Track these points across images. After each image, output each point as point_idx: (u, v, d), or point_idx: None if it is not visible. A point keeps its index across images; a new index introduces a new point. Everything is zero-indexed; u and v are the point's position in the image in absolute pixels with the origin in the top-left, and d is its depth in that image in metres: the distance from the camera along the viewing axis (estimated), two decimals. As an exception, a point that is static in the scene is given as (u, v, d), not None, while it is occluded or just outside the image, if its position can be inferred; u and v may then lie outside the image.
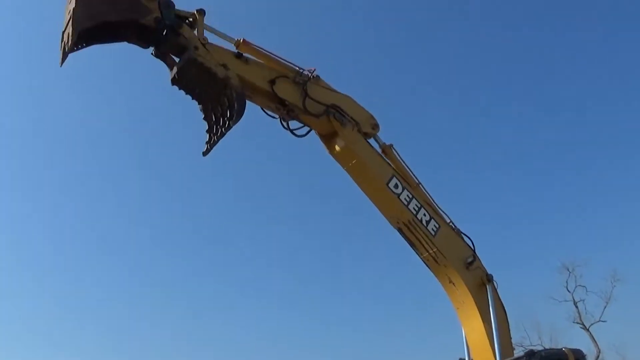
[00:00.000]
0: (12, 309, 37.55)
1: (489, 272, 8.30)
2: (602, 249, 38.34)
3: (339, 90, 8.10)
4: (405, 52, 47.34)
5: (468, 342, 8.38)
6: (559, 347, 9.09)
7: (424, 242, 8.18)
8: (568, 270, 29.39)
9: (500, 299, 8.27)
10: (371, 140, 8.23)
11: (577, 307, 28.88)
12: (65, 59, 6.42)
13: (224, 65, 7.05)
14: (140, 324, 38.35)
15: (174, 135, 43.59)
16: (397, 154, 8.31)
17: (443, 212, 8.34)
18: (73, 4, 6.31)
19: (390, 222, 8.28)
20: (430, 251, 8.20)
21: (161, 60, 7.31)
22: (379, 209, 8.26)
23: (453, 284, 8.28)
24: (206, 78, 7.07)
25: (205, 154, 7.48)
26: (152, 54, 7.28)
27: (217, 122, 7.39)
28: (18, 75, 41.82)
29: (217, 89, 7.09)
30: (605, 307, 28.24)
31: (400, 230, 8.26)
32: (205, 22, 7.27)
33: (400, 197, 8.03)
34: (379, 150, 8.28)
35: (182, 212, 45.20)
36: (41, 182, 43.98)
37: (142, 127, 45.49)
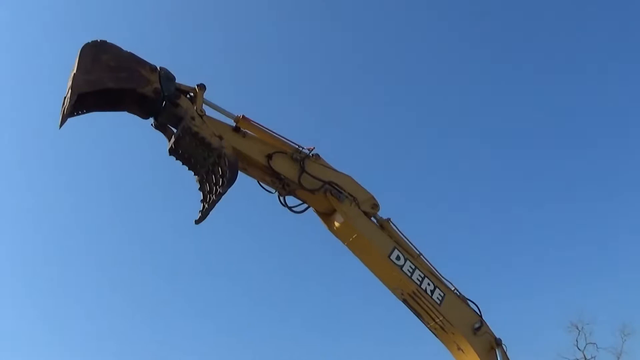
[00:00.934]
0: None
1: (498, 336, 8.28)
2: (609, 303, 38.41)
3: (339, 170, 8.15)
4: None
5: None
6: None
7: (430, 312, 8.16)
8: (577, 328, 29.46)
9: (511, 362, 8.24)
10: (369, 218, 8.23)
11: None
12: (64, 122, 6.48)
13: (220, 137, 7.09)
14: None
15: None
16: (396, 227, 8.35)
17: (446, 280, 8.36)
18: (75, 70, 6.46)
19: (394, 294, 8.27)
20: (437, 320, 8.18)
21: (161, 131, 7.39)
22: (383, 282, 8.25)
23: (462, 350, 8.23)
24: (201, 148, 7.12)
25: (197, 222, 7.39)
26: (152, 125, 7.36)
27: (210, 191, 7.40)
28: None
29: (212, 159, 7.12)
30: (617, 363, 27.99)
31: (405, 302, 8.26)
32: (205, 97, 7.33)
33: (403, 268, 8.03)
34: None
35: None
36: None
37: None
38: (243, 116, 7.62)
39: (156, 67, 6.98)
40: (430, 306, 8.11)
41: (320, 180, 7.87)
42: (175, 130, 7.26)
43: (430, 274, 8.24)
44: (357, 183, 8.19)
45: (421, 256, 8.34)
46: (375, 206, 8.23)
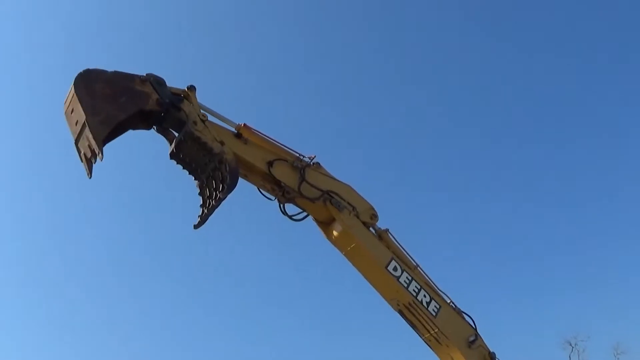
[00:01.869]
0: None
1: (492, 349, 8.33)
2: (603, 322, 38.35)
3: (339, 179, 8.21)
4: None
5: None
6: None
7: (425, 324, 8.19)
8: (571, 345, 29.36)
9: (503, 377, 8.28)
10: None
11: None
12: (92, 169, 6.58)
13: (221, 142, 7.13)
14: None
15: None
16: (394, 238, 8.40)
17: (443, 292, 8.40)
18: (82, 114, 6.40)
19: (390, 305, 8.30)
20: (432, 332, 8.21)
21: (163, 135, 7.40)
22: (379, 292, 8.28)
23: (456, 363, 8.27)
24: (202, 153, 7.16)
25: (196, 227, 7.43)
26: (153, 128, 7.36)
27: (210, 196, 7.44)
28: None
29: (213, 164, 7.15)
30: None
31: (401, 313, 8.29)
32: (205, 103, 7.39)
33: (400, 279, 8.07)
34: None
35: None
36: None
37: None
38: (244, 124, 7.68)
39: (144, 77, 6.92)
40: (425, 318, 8.14)
41: (320, 189, 7.93)
42: (177, 134, 7.29)
43: (427, 285, 8.27)
44: (356, 193, 8.24)
45: (418, 267, 8.38)
46: (374, 216, 8.26)
